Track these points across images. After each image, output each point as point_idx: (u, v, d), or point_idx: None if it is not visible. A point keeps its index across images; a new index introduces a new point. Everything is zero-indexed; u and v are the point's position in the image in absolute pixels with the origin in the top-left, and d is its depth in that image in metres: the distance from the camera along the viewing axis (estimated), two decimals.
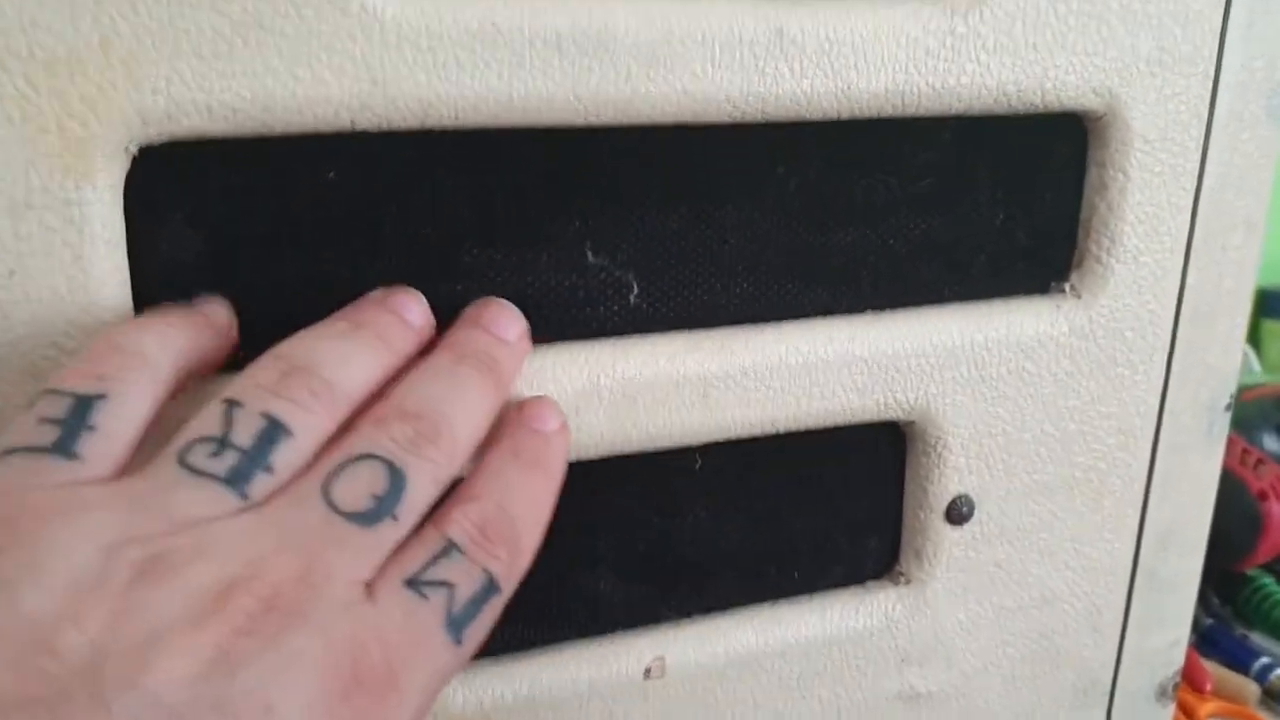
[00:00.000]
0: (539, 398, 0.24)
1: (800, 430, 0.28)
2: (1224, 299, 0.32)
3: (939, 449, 0.30)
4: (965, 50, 0.26)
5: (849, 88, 0.25)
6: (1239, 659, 0.51)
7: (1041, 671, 0.34)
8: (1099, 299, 0.30)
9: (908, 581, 0.31)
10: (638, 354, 0.26)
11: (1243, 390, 0.60)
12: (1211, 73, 0.29)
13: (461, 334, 0.23)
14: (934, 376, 0.29)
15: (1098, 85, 0.28)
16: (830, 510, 0.31)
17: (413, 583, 0.20)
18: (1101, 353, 0.31)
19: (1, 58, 0.19)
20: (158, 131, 0.20)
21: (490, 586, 0.21)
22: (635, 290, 0.26)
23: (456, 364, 0.22)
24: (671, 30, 0.23)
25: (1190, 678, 0.47)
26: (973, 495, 0.31)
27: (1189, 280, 0.31)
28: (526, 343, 0.24)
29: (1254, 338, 0.84)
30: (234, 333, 0.22)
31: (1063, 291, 0.31)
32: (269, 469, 0.19)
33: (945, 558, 0.31)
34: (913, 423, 0.30)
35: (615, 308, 0.26)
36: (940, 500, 0.30)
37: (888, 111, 0.26)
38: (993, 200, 0.29)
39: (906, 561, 0.32)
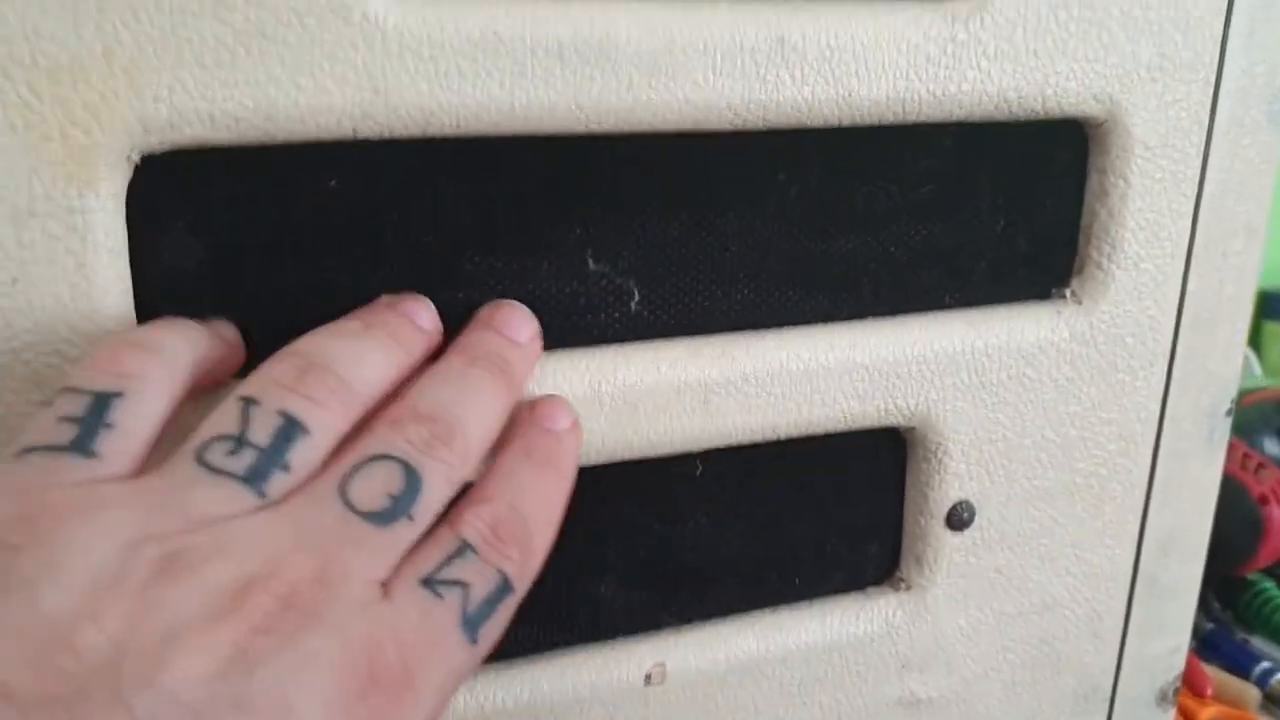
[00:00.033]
0: (550, 396, 0.25)
1: (801, 436, 0.28)
2: (1225, 305, 0.32)
3: (940, 455, 0.30)
4: (966, 57, 0.26)
5: (850, 95, 0.25)
6: (1240, 663, 0.51)
7: (1042, 677, 0.34)
8: (1100, 305, 0.30)
9: (908, 587, 0.31)
10: (639, 361, 0.26)
11: (1243, 394, 0.60)
12: (1212, 79, 0.29)
13: (474, 336, 0.23)
14: (935, 383, 0.29)
15: (1098, 92, 0.28)
16: (831, 516, 0.31)
17: (428, 582, 0.20)
18: (1102, 359, 0.31)
19: (5, 65, 0.19)
20: (160, 140, 0.20)
21: (504, 586, 0.21)
22: (636, 297, 0.26)
23: (469, 366, 0.22)
24: (673, 39, 0.23)
25: (1191, 682, 0.47)
26: (973, 501, 0.31)
27: (1190, 286, 0.31)
28: (538, 344, 0.24)
29: (1255, 340, 0.84)
30: (242, 350, 0.22)
31: (1063, 298, 0.31)
32: (286, 467, 0.19)
33: (946, 563, 0.31)
34: (913, 429, 0.30)
35: (616, 315, 0.26)
36: (941, 506, 0.30)
37: (889, 118, 0.26)
38: (994, 207, 0.29)
39: (907, 567, 0.32)
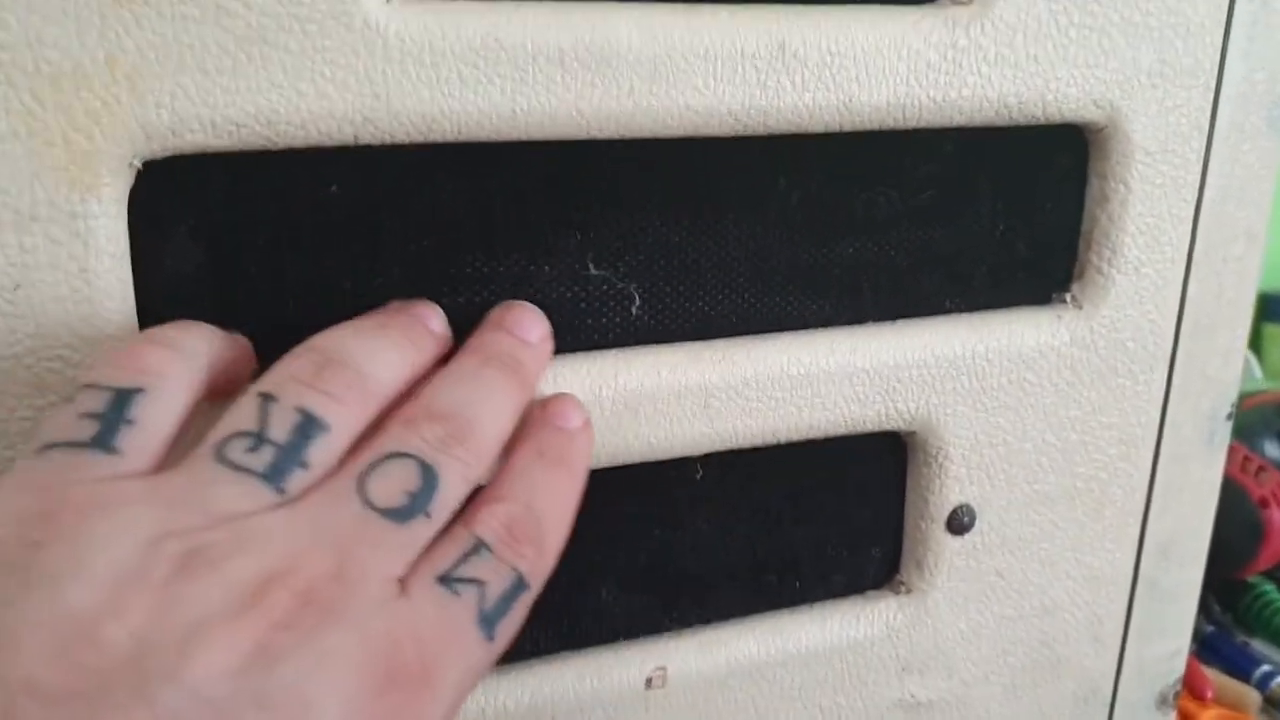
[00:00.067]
0: (562, 395, 0.25)
1: (802, 441, 0.28)
2: (1225, 309, 0.32)
3: (940, 459, 0.30)
4: (967, 63, 0.26)
5: (851, 101, 0.25)
6: (1240, 666, 0.51)
7: (1042, 681, 0.34)
8: (1100, 310, 0.30)
9: (909, 591, 0.31)
10: (639, 365, 0.26)
11: (1244, 397, 0.60)
12: (1213, 85, 0.29)
13: (486, 336, 0.24)
14: (935, 387, 0.29)
15: (1099, 97, 0.28)
16: (831, 520, 0.31)
17: (445, 580, 0.20)
18: (1103, 363, 0.31)
19: (8, 72, 0.19)
20: (162, 146, 0.21)
21: (519, 584, 0.21)
22: (637, 302, 0.26)
23: (482, 366, 0.23)
24: (674, 45, 0.23)
25: (1191, 685, 0.47)
26: (974, 505, 0.31)
27: (1190, 291, 0.31)
28: (549, 344, 0.25)
29: (1255, 342, 0.84)
30: (254, 356, 0.22)
31: (1064, 302, 0.31)
32: (304, 464, 0.19)
33: (946, 567, 0.31)
34: (914, 433, 0.30)
35: (617, 319, 0.26)
36: (941, 510, 0.31)
37: (889, 124, 0.26)
38: (994, 212, 0.29)
39: (907, 571, 0.32)
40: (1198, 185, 0.30)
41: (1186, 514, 0.34)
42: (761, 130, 0.25)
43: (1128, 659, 0.35)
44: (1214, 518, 0.35)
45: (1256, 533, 0.52)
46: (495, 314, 0.24)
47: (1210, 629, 0.53)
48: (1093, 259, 0.30)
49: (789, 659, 0.30)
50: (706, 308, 0.27)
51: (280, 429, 0.19)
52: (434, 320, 0.23)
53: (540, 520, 0.22)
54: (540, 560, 0.21)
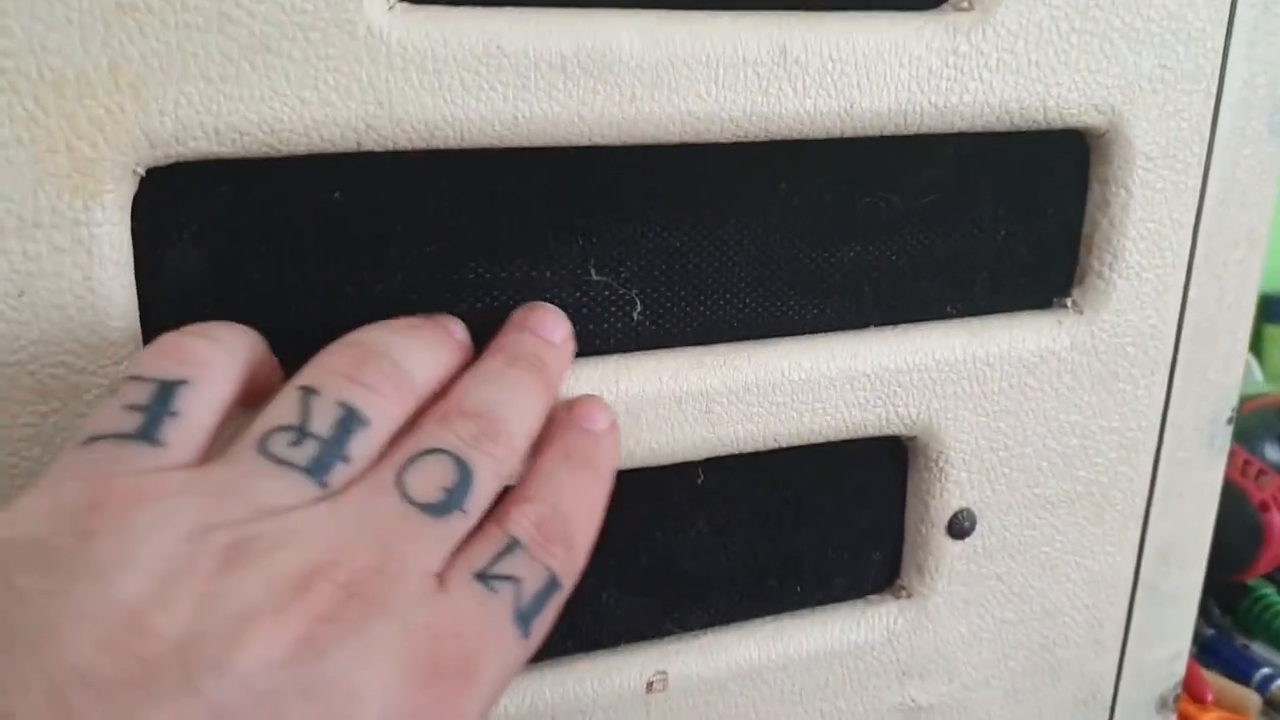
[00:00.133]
0: (588, 397, 0.25)
1: (803, 445, 0.28)
2: (1226, 313, 0.32)
3: (941, 463, 0.30)
4: (968, 69, 0.26)
5: (852, 107, 0.25)
6: (1240, 669, 0.51)
7: (1043, 684, 0.34)
8: (1101, 314, 0.30)
9: (909, 595, 0.32)
10: (641, 370, 0.26)
11: (1244, 400, 0.60)
12: (1214, 90, 0.29)
13: (511, 337, 0.24)
14: (936, 392, 0.29)
15: (1100, 102, 0.28)
16: (832, 524, 0.31)
17: (482, 576, 0.20)
18: (1103, 367, 0.31)
19: (12, 79, 0.19)
20: (165, 153, 0.21)
21: (552, 583, 0.21)
22: (638, 307, 0.26)
23: (509, 366, 0.23)
24: (675, 51, 0.23)
25: (1191, 688, 0.47)
26: (974, 509, 0.31)
27: (1191, 295, 0.31)
28: (572, 345, 0.25)
29: (1256, 344, 0.84)
30: (278, 365, 0.23)
31: (1065, 307, 0.31)
32: (346, 458, 0.20)
33: (947, 571, 0.31)
34: (915, 437, 0.30)
35: (618, 324, 0.26)
36: (942, 514, 0.31)
37: (891, 130, 0.26)
38: (995, 216, 0.29)
39: (908, 575, 0.32)
40: (1199, 190, 0.30)
41: (1187, 517, 0.34)
42: (763, 136, 0.25)
43: (1128, 662, 0.35)
44: (1214, 521, 0.35)
45: (1257, 536, 0.52)
46: (518, 315, 0.24)
47: (1210, 632, 0.53)
48: (1094, 264, 0.30)
49: (790, 663, 0.30)
50: (708, 313, 0.27)
51: (322, 423, 0.20)
52: (457, 329, 0.24)
53: (569, 521, 0.22)
54: (571, 560, 0.22)
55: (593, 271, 0.25)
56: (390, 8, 0.21)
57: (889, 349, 0.28)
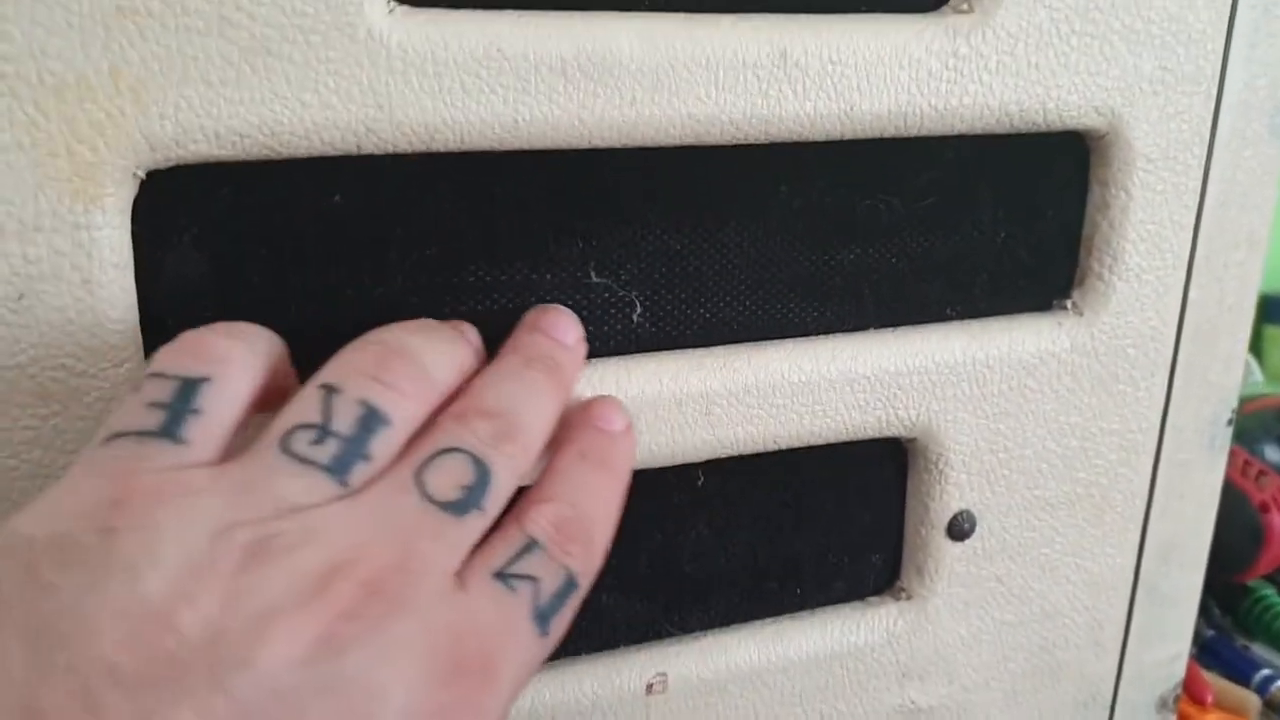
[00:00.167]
0: (605, 397, 0.25)
1: (803, 447, 0.28)
2: (1226, 315, 0.32)
3: (941, 465, 0.30)
4: (968, 71, 0.26)
5: (852, 109, 0.25)
6: (1240, 670, 0.51)
7: (1042, 685, 0.34)
8: (1101, 316, 0.30)
9: (909, 597, 0.32)
10: (641, 373, 0.26)
11: (1244, 401, 0.60)
12: (1214, 92, 0.29)
13: (524, 339, 0.24)
14: (936, 394, 0.29)
15: (1100, 104, 0.28)
16: (832, 526, 0.31)
17: (501, 575, 0.20)
18: (1103, 369, 0.31)
19: (12, 84, 0.19)
20: (165, 157, 0.21)
21: (570, 582, 0.21)
22: (638, 309, 0.26)
23: (524, 367, 0.23)
24: (675, 54, 0.23)
25: (1191, 689, 0.47)
26: (974, 511, 0.31)
27: (1191, 297, 0.31)
28: (584, 347, 0.25)
29: (1256, 345, 0.84)
30: (294, 373, 0.23)
31: (1065, 309, 0.31)
32: (367, 457, 0.20)
33: (947, 573, 0.31)
34: (915, 439, 0.30)
35: (619, 327, 0.26)
36: (942, 516, 0.31)
37: (890, 132, 0.26)
38: (995, 219, 0.29)
39: (908, 577, 0.32)
40: (1199, 192, 0.30)
41: (1187, 518, 0.34)
42: (763, 139, 0.25)
43: (1128, 663, 0.35)
44: (1214, 522, 0.35)
45: (1257, 537, 0.52)
46: (530, 317, 0.25)
47: (1210, 633, 0.53)
48: (1094, 265, 0.30)
49: (790, 665, 0.30)
50: (708, 315, 0.27)
51: (344, 421, 0.20)
52: (470, 332, 0.24)
53: (587, 521, 0.22)
54: (589, 560, 0.22)
55: (593, 274, 0.26)
56: (390, 11, 0.21)
57: (889, 351, 0.28)
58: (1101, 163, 0.29)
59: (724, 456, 0.28)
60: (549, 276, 0.25)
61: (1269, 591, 0.55)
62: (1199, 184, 0.30)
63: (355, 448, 0.20)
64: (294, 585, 0.17)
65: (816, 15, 0.25)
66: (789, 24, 0.24)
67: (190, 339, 0.20)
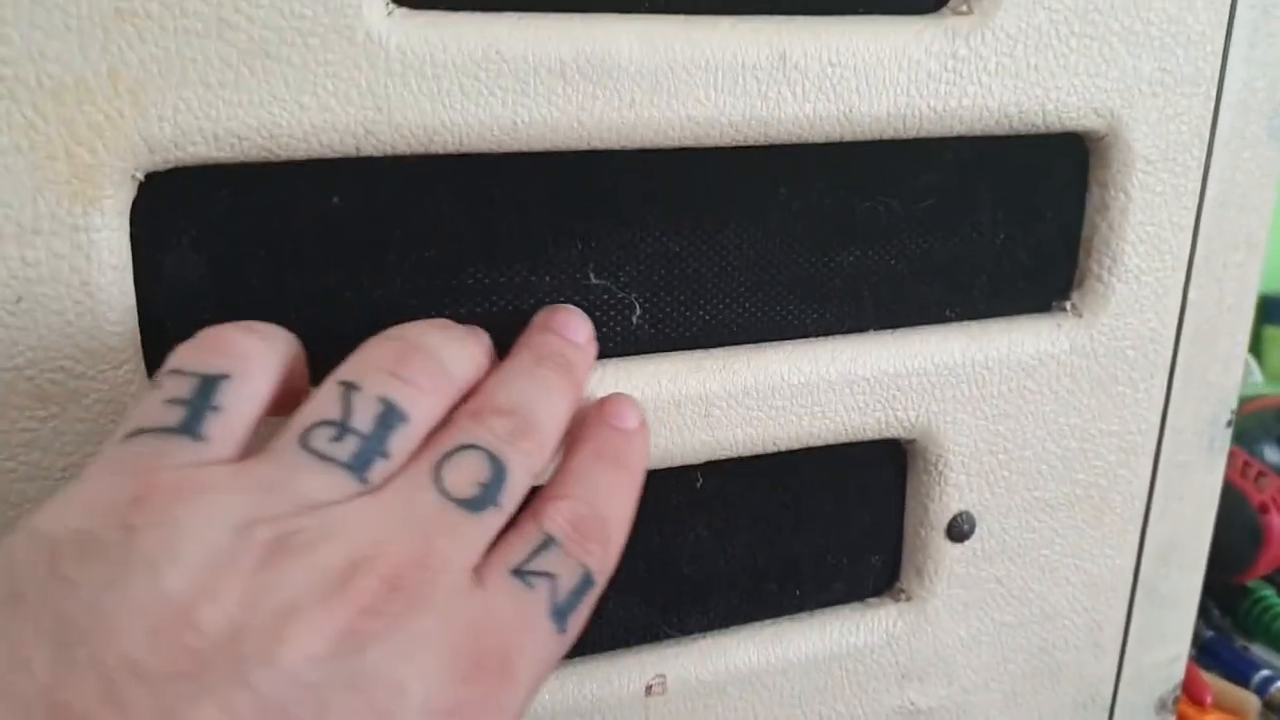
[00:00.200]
0: (618, 395, 0.25)
1: (802, 449, 0.28)
2: (1225, 316, 0.32)
3: (940, 467, 0.30)
4: (967, 73, 0.26)
5: (851, 111, 0.25)
6: (1239, 671, 0.51)
7: (1042, 687, 0.34)
8: (1100, 318, 0.30)
9: (909, 598, 0.32)
10: (640, 374, 0.26)
11: (1244, 402, 0.60)
12: (1213, 93, 0.29)
13: (536, 337, 0.24)
14: (935, 395, 0.29)
15: (1099, 106, 0.28)
16: (831, 528, 0.31)
17: (518, 572, 0.20)
18: (1103, 371, 0.31)
19: (11, 86, 0.19)
20: (164, 159, 0.21)
21: (588, 579, 0.21)
22: (638, 311, 0.26)
23: (537, 365, 0.23)
24: (675, 56, 0.23)
25: (1190, 690, 0.47)
26: (974, 512, 0.31)
27: (1190, 298, 0.31)
28: (594, 346, 0.25)
29: (1255, 345, 0.84)
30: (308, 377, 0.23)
31: (1064, 310, 0.31)
32: (386, 454, 0.20)
33: (946, 574, 0.31)
34: (914, 441, 0.30)
35: (618, 328, 0.26)
36: (941, 517, 0.31)
37: (890, 134, 0.26)
38: (994, 220, 0.29)
39: (907, 578, 0.32)
40: (1198, 193, 0.30)
41: (1186, 519, 0.34)
42: (762, 141, 0.25)
43: (1127, 665, 0.35)
44: (1214, 523, 0.35)
45: (1256, 538, 0.52)
46: (541, 317, 0.25)
47: (1210, 634, 0.53)
48: (1093, 267, 0.30)
49: (789, 667, 0.30)
50: (707, 317, 0.27)
51: (363, 418, 0.20)
52: (482, 333, 0.24)
53: (603, 519, 0.22)
54: (605, 558, 0.22)
55: (592, 276, 0.26)
56: (389, 13, 0.21)
57: (888, 353, 0.28)
58: (1101, 164, 0.29)
59: (723, 458, 0.28)
60: (548, 278, 0.25)
61: (1268, 592, 0.55)
62: (1198, 185, 0.30)
63: (374, 445, 0.20)
64: (315, 582, 0.17)
65: (815, 17, 0.25)
66: (788, 26, 0.24)
67: (210, 335, 0.20)
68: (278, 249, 0.23)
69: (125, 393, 0.22)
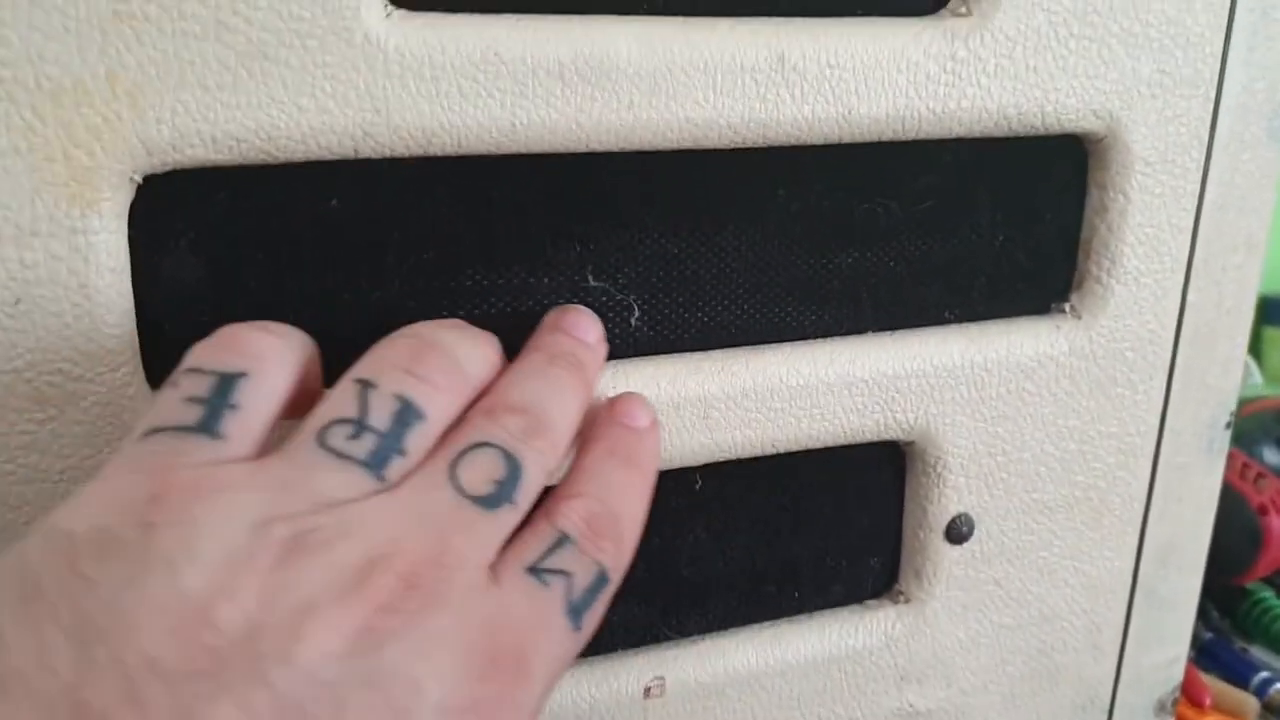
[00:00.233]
0: (630, 394, 0.25)
1: (801, 451, 0.28)
2: (1224, 318, 0.32)
3: (939, 469, 0.30)
4: (966, 74, 0.26)
5: (850, 113, 0.25)
6: (1238, 673, 0.51)
7: (1041, 689, 0.34)
8: (1099, 319, 0.30)
9: (907, 600, 0.32)
10: (639, 376, 0.26)
11: (1243, 403, 0.60)
12: (1212, 95, 0.29)
13: (547, 337, 0.24)
14: (934, 397, 0.29)
15: (1098, 108, 0.28)
16: (830, 530, 0.31)
17: (534, 570, 0.20)
18: (1102, 373, 0.31)
19: (9, 89, 0.19)
20: (162, 161, 0.21)
21: (602, 578, 0.21)
22: (636, 313, 0.26)
23: (549, 364, 0.23)
24: (673, 58, 0.23)
25: (1189, 692, 0.47)
26: (972, 514, 0.31)
27: (1189, 300, 0.31)
28: (605, 346, 0.25)
29: (1255, 346, 0.84)
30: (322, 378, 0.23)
31: (1063, 312, 0.31)
32: (403, 452, 0.20)
33: (945, 576, 0.31)
34: (913, 443, 0.30)
35: (617, 330, 0.26)
36: (940, 519, 0.31)
37: (889, 136, 0.26)
38: (993, 222, 0.29)
39: (906, 580, 0.32)
40: (1197, 195, 0.30)
41: (1185, 521, 0.34)
42: (761, 142, 0.25)
43: (1126, 666, 0.35)
44: (1213, 524, 0.35)
45: (1255, 539, 0.52)
46: (551, 317, 0.25)
47: (1209, 635, 0.53)
48: (1092, 269, 0.30)
49: (788, 669, 0.30)
50: (706, 318, 0.27)
51: (380, 416, 0.20)
52: (492, 336, 0.24)
53: (617, 517, 0.22)
54: (619, 556, 0.22)
55: (590, 278, 0.25)
56: (387, 14, 0.21)
57: (887, 354, 0.28)
58: (1100, 166, 0.29)
59: (722, 460, 0.28)
60: (547, 280, 0.25)
61: (1267, 594, 0.55)
62: (1197, 187, 0.30)
63: (391, 443, 0.20)
64: (332, 579, 0.17)
65: (814, 19, 0.25)
66: (786, 28, 0.24)
67: (227, 334, 0.20)
68: (276, 251, 0.23)
69: (123, 395, 0.22)
